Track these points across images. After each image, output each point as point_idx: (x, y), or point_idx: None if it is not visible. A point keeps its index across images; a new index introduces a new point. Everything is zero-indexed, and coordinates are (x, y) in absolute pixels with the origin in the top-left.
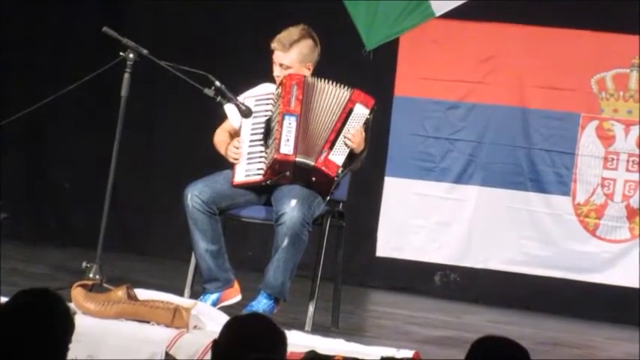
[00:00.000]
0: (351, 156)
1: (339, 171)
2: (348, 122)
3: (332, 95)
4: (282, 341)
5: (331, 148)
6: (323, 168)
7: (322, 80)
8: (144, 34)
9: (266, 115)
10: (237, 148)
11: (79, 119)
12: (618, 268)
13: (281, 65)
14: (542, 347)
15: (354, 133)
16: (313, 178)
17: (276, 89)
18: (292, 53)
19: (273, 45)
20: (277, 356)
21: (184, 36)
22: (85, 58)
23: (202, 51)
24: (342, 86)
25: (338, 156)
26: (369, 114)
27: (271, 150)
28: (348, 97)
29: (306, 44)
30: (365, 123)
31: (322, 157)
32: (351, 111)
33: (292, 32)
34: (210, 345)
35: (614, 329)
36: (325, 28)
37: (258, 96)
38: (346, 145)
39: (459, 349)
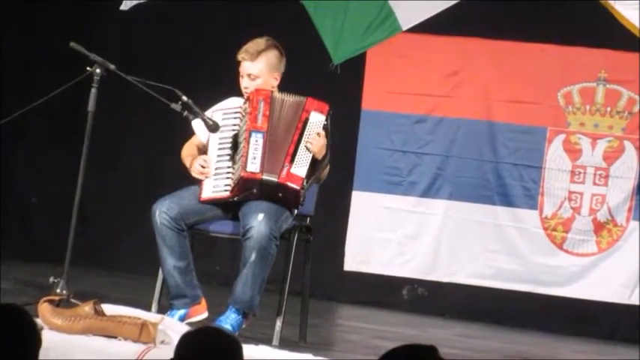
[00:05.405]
0: (314, 164)
1: (304, 183)
2: (305, 132)
3: (291, 107)
4: (238, 351)
5: (292, 161)
6: (287, 183)
7: (284, 94)
8: (111, 48)
9: (234, 130)
10: (204, 167)
11: (45, 133)
12: (585, 281)
13: (249, 76)
14: None
15: (313, 137)
16: (280, 194)
17: (244, 104)
18: (260, 62)
19: (241, 56)
20: None
21: (151, 51)
22: (53, 73)
23: (169, 66)
24: (296, 96)
25: (300, 168)
26: (326, 120)
27: (238, 167)
28: (302, 107)
29: (273, 54)
30: (323, 129)
31: (285, 172)
32: (307, 120)
33: (258, 42)
34: None
35: (581, 343)
36: (292, 42)
37: (226, 109)
38: (308, 150)
39: None
